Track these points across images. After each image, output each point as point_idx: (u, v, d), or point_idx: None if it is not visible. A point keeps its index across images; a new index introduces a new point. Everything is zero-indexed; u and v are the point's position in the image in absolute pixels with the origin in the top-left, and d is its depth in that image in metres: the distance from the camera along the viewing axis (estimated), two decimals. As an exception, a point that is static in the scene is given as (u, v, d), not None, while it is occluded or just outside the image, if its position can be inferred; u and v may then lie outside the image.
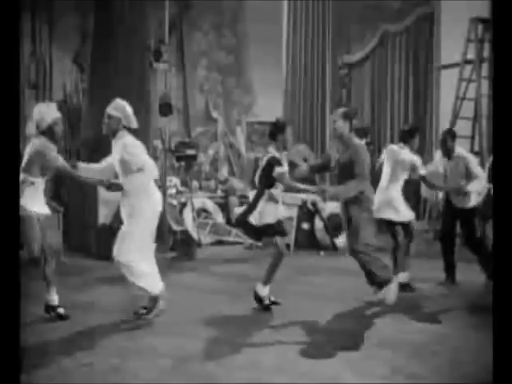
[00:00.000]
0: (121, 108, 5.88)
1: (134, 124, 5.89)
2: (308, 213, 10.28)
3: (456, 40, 11.27)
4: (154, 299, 5.78)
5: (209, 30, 13.33)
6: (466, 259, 7.79)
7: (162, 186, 9.86)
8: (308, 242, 10.11)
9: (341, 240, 10.54)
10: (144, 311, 5.81)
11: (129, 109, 5.90)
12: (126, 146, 5.71)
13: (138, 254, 5.64)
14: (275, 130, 6.39)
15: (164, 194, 9.73)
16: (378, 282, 6.15)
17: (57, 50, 10.71)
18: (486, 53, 10.88)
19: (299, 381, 4.33)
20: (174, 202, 10.60)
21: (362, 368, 4.56)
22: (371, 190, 6.39)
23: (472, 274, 7.65)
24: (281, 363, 4.67)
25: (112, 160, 5.85)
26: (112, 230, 8.96)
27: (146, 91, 9.49)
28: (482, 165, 10.35)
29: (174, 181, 11.05)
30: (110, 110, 5.86)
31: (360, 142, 6.33)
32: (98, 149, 9.36)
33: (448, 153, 7.44)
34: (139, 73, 9.41)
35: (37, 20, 10.48)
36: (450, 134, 7.56)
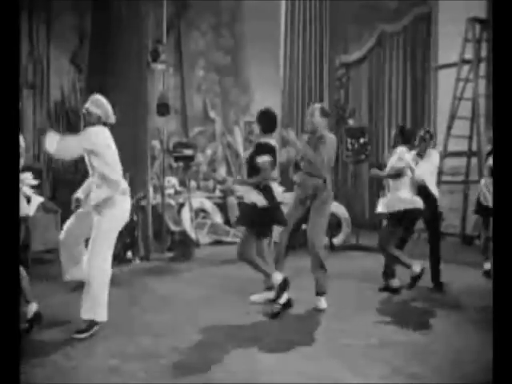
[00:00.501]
0: (101, 105, 5.69)
1: (113, 119, 5.72)
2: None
3: (453, 40, 11.28)
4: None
5: (207, 30, 13.32)
6: (465, 262, 7.82)
7: (161, 186, 9.87)
8: (306, 241, 10.08)
9: (338, 239, 10.59)
10: None
11: (108, 105, 5.74)
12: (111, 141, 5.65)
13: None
14: None
15: (162, 194, 9.74)
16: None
17: (54, 50, 10.69)
18: (484, 53, 10.90)
19: (299, 381, 4.33)
20: (172, 202, 10.59)
21: (362, 368, 4.56)
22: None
23: (471, 275, 7.68)
24: (280, 363, 4.67)
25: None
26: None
27: (144, 91, 9.48)
28: (480, 164, 10.39)
29: (172, 181, 11.05)
30: (90, 106, 5.66)
31: (334, 137, 6.45)
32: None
33: (421, 151, 7.48)
34: (137, 73, 9.41)
35: (34, 20, 10.46)
36: (429, 133, 7.58)
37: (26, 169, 8.37)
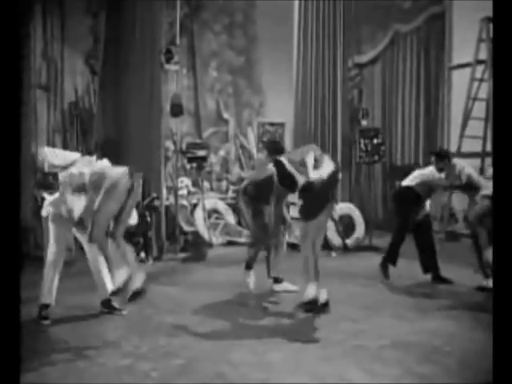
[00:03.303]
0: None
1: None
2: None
3: (467, 40, 11.21)
4: None
5: (220, 31, 13.34)
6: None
7: (174, 187, 9.89)
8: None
9: (352, 240, 10.56)
10: None
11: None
12: None
13: None
14: None
15: (175, 195, 9.76)
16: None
17: (68, 50, 10.71)
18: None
19: (310, 380, 4.32)
20: (186, 202, 10.61)
21: (374, 368, 4.55)
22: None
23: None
24: (291, 363, 4.67)
25: None
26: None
27: (157, 92, 9.50)
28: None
29: (185, 182, 11.06)
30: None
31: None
32: (110, 151, 9.42)
33: None
34: (150, 74, 9.44)
35: (48, 20, 10.50)
36: None
37: (40, 170, 8.41)
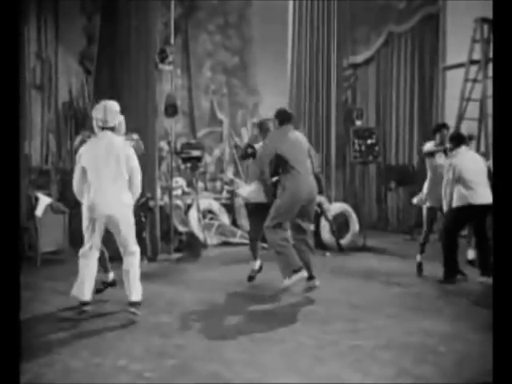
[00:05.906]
0: None
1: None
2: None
3: (462, 40, 11.25)
4: None
5: (214, 31, 13.34)
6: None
7: (168, 187, 9.88)
8: (313, 242, 10.09)
9: (346, 240, 10.57)
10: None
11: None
12: None
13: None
14: None
15: (170, 195, 9.75)
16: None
17: (63, 51, 10.71)
18: (492, 53, 10.87)
19: (304, 380, 4.33)
20: (180, 203, 10.60)
21: (369, 369, 4.55)
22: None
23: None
24: (286, 363, 4.67)
25: None
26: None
27: (152, 92, 9.49)
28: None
29: (179, 182, 11.05)
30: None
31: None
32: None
33: None
34: (145, 74, 9.41)
35: (42, 21, 10.49)
36: None
37: (34, 170, 8.42)
